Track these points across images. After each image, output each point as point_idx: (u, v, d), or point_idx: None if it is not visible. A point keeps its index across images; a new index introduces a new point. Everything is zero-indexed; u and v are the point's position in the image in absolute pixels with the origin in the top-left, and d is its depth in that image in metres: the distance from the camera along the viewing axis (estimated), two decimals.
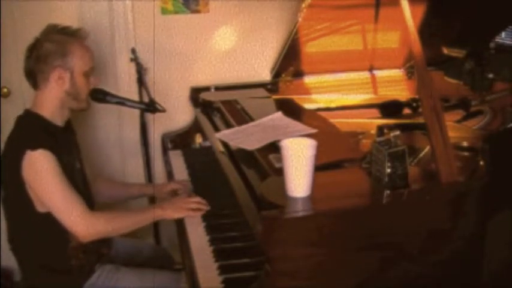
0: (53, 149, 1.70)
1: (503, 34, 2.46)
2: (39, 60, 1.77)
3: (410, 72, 2.64)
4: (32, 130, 1.76)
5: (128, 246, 2.10)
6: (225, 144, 1.89)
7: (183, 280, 1.82)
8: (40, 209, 1.73)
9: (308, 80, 2.61)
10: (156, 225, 2.67)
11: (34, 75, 1.80)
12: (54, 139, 1.75)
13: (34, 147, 1.67)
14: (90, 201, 1.91)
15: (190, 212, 1.83)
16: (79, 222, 1.71)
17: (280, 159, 1.38)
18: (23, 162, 1.67)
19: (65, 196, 1.70)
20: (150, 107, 2.13)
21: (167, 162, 2.49)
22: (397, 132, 1.44)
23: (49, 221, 1.72)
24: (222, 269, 1.52)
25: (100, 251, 1.91)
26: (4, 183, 1.79)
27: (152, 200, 2.36)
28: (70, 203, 1.70)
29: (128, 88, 2.58)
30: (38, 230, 1.77)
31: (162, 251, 2.26)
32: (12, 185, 1.75)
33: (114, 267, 1.88)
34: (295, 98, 2.40)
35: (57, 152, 1.71)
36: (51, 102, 1.80)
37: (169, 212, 1.84)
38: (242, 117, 2.08)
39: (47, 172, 1.68)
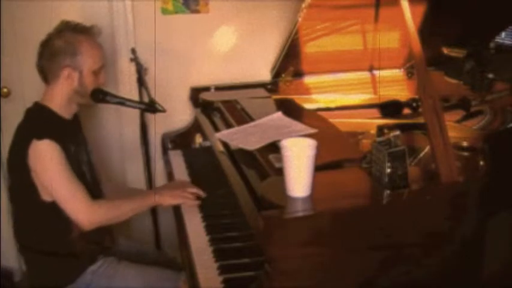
0: (58, 139, 1.74)
1: (503, 34, 2.46)
2: (49, 58, 1.81)
3: (410, 72, 2.64)
4: (39, 121, 1.82)
5: (132, 248, 2.12)
6: (225, 144, 1.89)
7: (183, 279, 1.82)
8: (45, 197, 1.76)
9: (308, 80, 2.60)
10: (157, 230, 2.66)
11: (45, 72, 1.84)
12: (60, 130, 1.80)
13: (40, 137, 1.71)
14: (98, 192, 1.95)
15: (187, 200, 1.88)
16: (81, 210, 1.75)
17: (280, 159, 1.38)
18: (29, 151, 1.71)
19: (68, 185, 1.74)
20: (150, 107, 2.13)
21: (167, 162, 2.49)
22: (397, 132, 1.44)
23: (53, 210, 1.76)
24: (222, 269, 1.52)
25: (103, 243, 1.94)
26: (11, 172, 1.84)
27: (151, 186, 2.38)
28: (73, 192, 1.74)
29: (128, 88, 2.59)
30: (41, 218, 1.81)
31: (166, 257, 2.25)
32: (18, 173, 1.79)
33: (116, 260, 1.92)
34: (295, 98, 2.40)
35: (63, 142, 1.76)
36: (60, 97, 1.84)
37: (166, 199, 1.89)
38: (242, 117, 2.08)
39: (52, 161, 1.72)
